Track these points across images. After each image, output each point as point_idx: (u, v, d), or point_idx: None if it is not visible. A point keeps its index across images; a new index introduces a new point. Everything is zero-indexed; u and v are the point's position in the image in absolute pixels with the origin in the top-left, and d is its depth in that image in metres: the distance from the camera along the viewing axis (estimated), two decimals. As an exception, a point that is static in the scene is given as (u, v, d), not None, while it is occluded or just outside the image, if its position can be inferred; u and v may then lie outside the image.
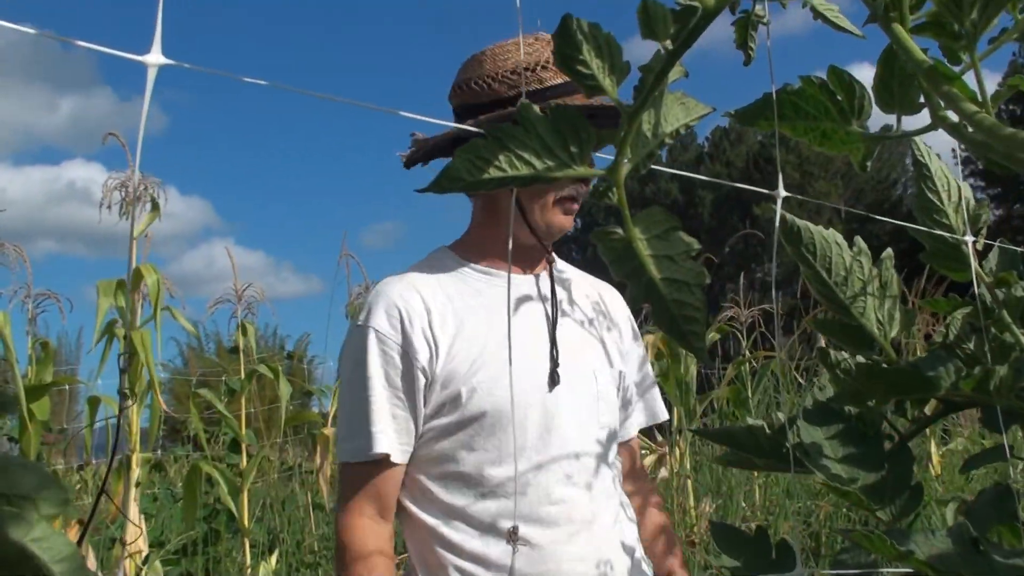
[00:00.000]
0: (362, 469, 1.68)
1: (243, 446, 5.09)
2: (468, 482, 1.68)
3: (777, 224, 0.84)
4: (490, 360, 1.69)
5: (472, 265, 1.80)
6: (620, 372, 1.88)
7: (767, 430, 1.06)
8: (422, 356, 1.68)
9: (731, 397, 5.89)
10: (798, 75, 0.86)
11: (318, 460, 5.51)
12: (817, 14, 0.92)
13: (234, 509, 4.67)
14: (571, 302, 1.86)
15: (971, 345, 0.93)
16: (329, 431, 5.26)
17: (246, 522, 4.62)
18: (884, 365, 0.84)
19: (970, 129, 0.71)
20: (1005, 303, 0.91)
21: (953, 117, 0.74)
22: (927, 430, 5.97)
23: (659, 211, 0.64)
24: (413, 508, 1.73)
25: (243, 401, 5.09)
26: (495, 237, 1.80)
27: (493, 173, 0.60)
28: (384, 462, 1.67)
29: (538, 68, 1.68)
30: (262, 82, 0.62)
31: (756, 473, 5.82)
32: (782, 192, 0.83)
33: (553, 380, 1.70)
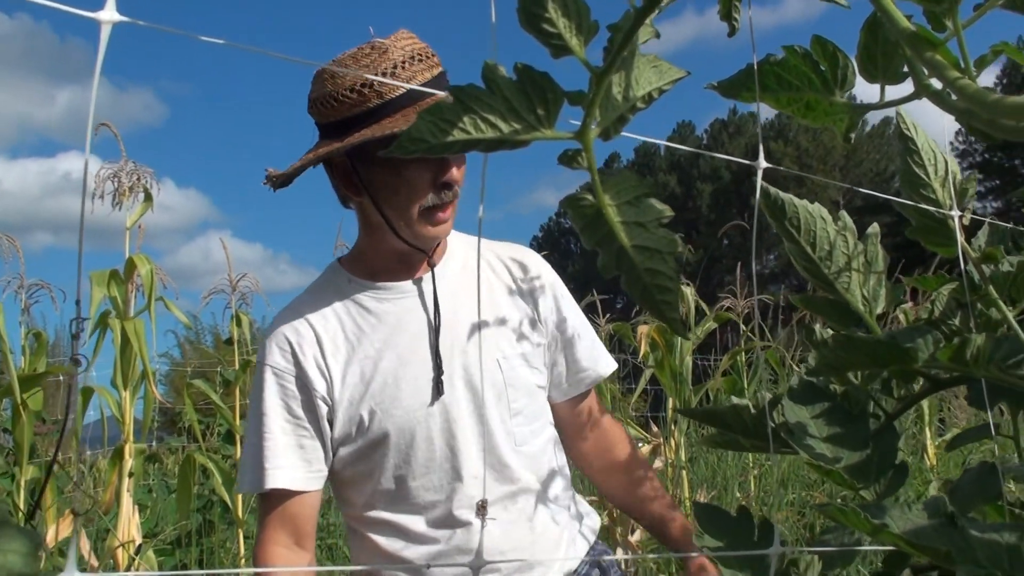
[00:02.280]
0: (271, 498, 1.69)
1: (237, 437, 5.08)
2: (392, 497, 1.72)
3: (758, 197, 0.82)
4: (385, 380, 1.70)
5: (359, 281, 1.79)
6: (538, 344, 1.86)
7: (753, 410, 1.05)
8: (319, 386, 1.70)
9: (726, 388, 5.88)
10: (781, 45, 0.84)
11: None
12: (800, -17, 0.90)
13: (228, 500, 4.66)
14: (484, 283, 1.84)
15: (956, 321, 0.91)
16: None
17: (240, 513, 4.60)
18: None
19: (954, 97, 0.69)
20: (992, 279, 0.90)
21: (937, 85, 0.73)
22: (924, 420, 5.97)
23: (630, 176, 0.62)
24: (355, 525, 1.78)
25: (238, 392, 5.07)
26: (374, 249, 1.79)
27: (458, 135, 0.58)
28: (286, 492, 1.68)
29: (374, 84, 1.62)
30: (219, 41, 0.60)
31: (751, 463, 5.82)
32: (763, 163, 0.81)
33: (438, 390, 1.71)
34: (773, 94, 0.85)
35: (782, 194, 0.90)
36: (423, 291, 1.78)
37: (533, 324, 1.85)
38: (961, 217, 0.92)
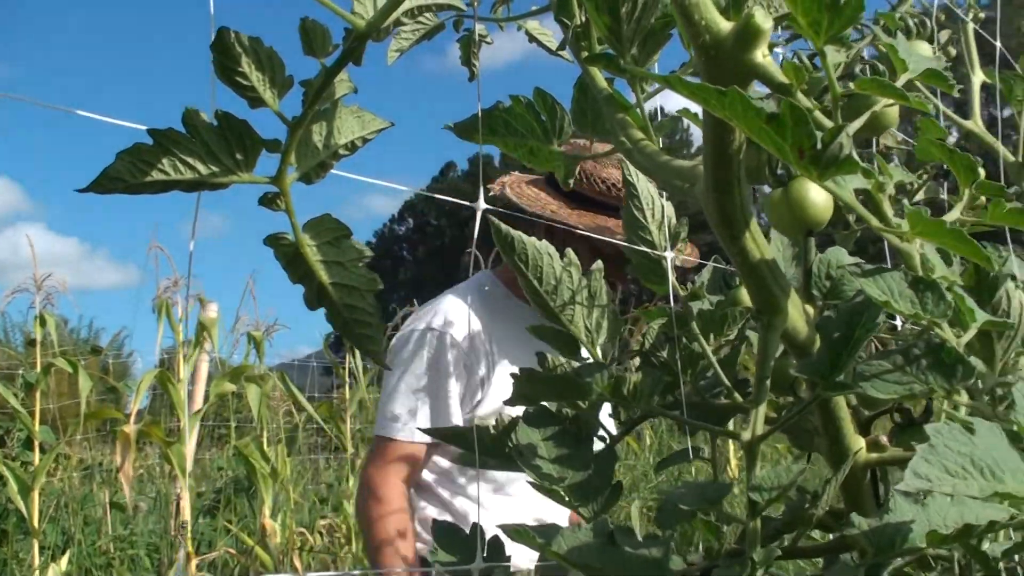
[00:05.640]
0: (411, 446, 2.04)
1: (36, 443, 4.88)
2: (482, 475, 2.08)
3: (476, 232, 0.89)
4: None
5: (517, 301, 2.12)
6: None
7: (492, 431, 1.11)
8: (480, 369, 2.05)
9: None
10: (509, 94, 0.91)
11: (119, 458, 5.30)
12: (532, 38, 0.97)
13: (24, 509, 4.48)
14: None
15: (665, 353, 1.00)
16: (130, 429, 5.06)
17: (36, 522, 4.43)
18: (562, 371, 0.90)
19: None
20: (697, 315, 0.99)
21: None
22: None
23: (329, 219, 0.67)
24: (427, 479, 2.13)
25: (37, 396, 4.88)
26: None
27: (156, 176, 0.61)
28: (432, 445, 2.06)
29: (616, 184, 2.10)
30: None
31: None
32: (482, 204, 0.88)
33: None
34: (502, 138, 0.91)
35: (512, 231, 0.97)
36: None
37: None
38: (673, 258, 1.01)
